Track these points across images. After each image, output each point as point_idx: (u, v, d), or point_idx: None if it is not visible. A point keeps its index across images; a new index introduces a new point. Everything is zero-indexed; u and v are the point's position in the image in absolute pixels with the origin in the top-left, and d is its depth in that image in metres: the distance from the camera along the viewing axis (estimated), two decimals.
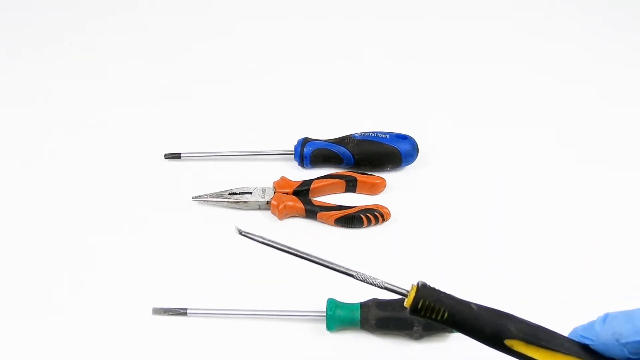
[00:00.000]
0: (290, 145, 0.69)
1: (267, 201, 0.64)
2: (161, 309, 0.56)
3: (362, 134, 0.68)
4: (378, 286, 0.38)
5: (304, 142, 0.68)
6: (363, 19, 0.92)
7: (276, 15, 0.92)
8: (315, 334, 0.55)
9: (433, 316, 0.35)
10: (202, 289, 0.58)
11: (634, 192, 0.67)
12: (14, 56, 0.85)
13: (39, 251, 0.61)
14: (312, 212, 0.63)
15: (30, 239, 0.62)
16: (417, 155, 0.68)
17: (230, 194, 0.65)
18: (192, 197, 0.65)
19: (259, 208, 0.65)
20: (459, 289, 0.56)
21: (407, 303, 0.36)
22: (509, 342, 0.34)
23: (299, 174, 0.68)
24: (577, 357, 0.34)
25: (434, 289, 0.36)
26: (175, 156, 0.70)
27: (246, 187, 0.65)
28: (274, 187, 0.65)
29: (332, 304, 0.54)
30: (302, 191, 0.65)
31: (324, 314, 0.54)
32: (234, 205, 0.64)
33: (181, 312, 0.56)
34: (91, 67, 0.84)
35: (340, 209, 0.63)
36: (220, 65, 0.84)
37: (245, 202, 0.64)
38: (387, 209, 0.63)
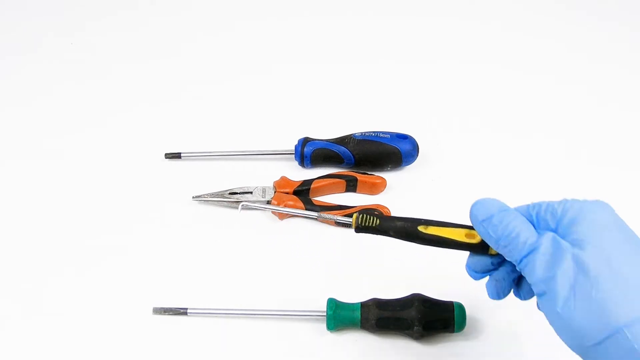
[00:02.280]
0: (291, 145, 0.69)
1: (268, 201, 0.64)
2: (161, 308, 0.56)
3: (363, 134, 0.68)
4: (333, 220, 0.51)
5: (305, 141, 0.68)
6: (363, 18, 0.92)
7: (276, 15, 0.93)
8: (316, 333, 0.55)
9: (371, 226, 0.47)
10: (202, 289, 0.58)
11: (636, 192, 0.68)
12: (14, 56, 0.85)
13: (40, 251, 0.61)
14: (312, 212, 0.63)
15: (31, 238, 0.63)
16: (417, 155, 0.68)
17: (230, 193, 0.65)
18: (193, 197, 0.65)
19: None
20: (459, 289, 0.56)
21: (353, 224, 0.48)
22: (421, 227, 0.47)
23: (300, 173, 0.68)
24: (466, 228, 0.46)
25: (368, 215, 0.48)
26: (176, 156, 0.70)
27: (246, 187, 0.65)
28: (275, 187, 0.65)
29: (332, 303, 0.54)
30: (303, 191, 0.65)
31: (324, 314, 0.54)
32: (235, 205, 0.64)
33: (181, 311, 0.56)
34: (91, 67, 0.84)
35: (340, 209, 0.62)
36: (221, 65, 0.84)
37: (246, 201, 0.64)
38: (387, 208, 0.63)
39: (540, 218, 0.41)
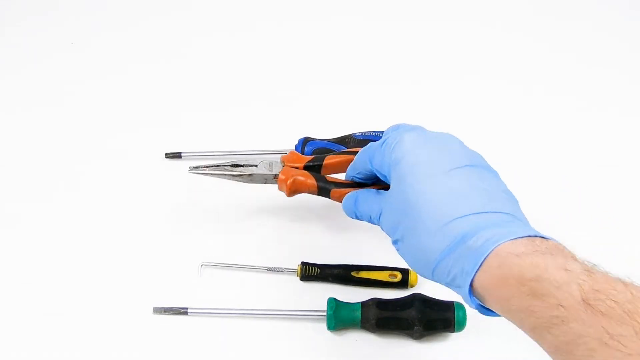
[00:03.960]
0: (291, 145, 0.69)
1: (275, 175, 0.56)
2: (162, 308, 0.56)
3: (363, 134, 0.68)
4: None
5: (305, 141, 0.68)
6: (364, 19, 0.92)
7: (277, 16, 0.92)
8: (316, 333, 0.55)
9: (313, 274, 0.58)
10: (202, 289, 0.58)
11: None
12: (14, 56, 0.85)
13: (40, 250, 0.61)
14: (325, 189, 0.53)
15: (31, 238, 0.63)
16: None
17: (233, 165, 0.57)
18: (190, 168, 0.57)
19: (265, 182, 0.57)
20: None
21: (298, 274, 0.59)
22: (354, 272, 0.58)
23: None
24: (388, 270, 0.58)
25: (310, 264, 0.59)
26: (176, 156, 0.70)
27: (251, 159, 0.57)
28: (282, 162, 0.56)
29: (333, 303, 0.54)
30: (314, 167, 0.56)
31: (324, 314, 0.54)
32: (237, 178, 0.56)
33: (182, 311, 0.56)
34: (91, 67, 0.84)
35: (356, 186, 0.52)
36: (221, 65, 0.84)
37: (250, 175, 0.56)
38: None
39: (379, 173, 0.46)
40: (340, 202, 0.52)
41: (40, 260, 0.60)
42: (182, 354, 0.54)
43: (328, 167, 0.56)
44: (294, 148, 0.68)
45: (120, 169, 0.69)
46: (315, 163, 0.56)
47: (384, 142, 0.44)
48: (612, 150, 0.73)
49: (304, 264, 0.59)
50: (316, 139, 0.69)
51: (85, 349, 0.54)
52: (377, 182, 0.50)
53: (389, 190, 0.43)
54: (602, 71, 0.84)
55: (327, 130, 0.70)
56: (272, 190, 0.57)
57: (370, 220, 0.48)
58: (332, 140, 0.68)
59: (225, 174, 0.56)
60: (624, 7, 0.95)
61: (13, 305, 0.57)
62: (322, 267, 0.58)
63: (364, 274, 0.58)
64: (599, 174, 0.69)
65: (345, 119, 0.74)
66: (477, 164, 0.41)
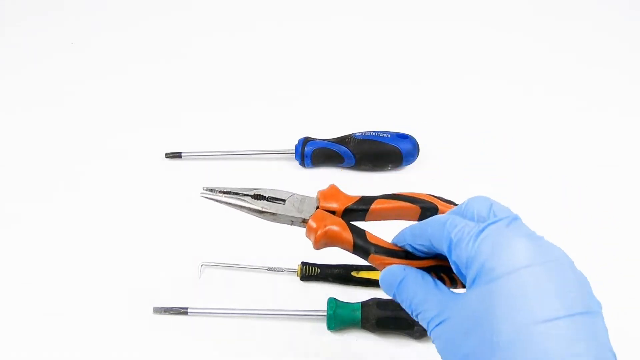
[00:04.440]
0: (291, 145, 0.69)
1: (304, 219, 0.43)
2: (162, 308, 0.56)
3: (363, 133, 0.68)
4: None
5: (305, 141, 0.68)
6: (364, 19, 0.92)
7: (277, 15, 0.93)
8: (316, 333, 0.55)
9: (313, 274, 0.59)
10: (202, 289, 0.58)
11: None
12: (14, 56, 0.85)
13: (40, 250, 0.61)
14: (362, 249, 0.41)
15: (32, 238, 0.63)
16: (417, 154, 0.68)
17: (255, 196, 0.44)
18: (203, 189, 0.45)
19: (292, 224, 0.44)
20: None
21: (298, 274, 0.59)
22: (354, 272, 0.58)
23: (300, 172, 0.68)
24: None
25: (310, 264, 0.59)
26: (176, 155, 0.70)
27: (278, 191, 0.44)
28: (318, 199, 0.43)
29: (333, 303, 0.54)
30: (358, 211, 0.43)
31: (325, 314, 0.54)
32: (257, 214, 0.44)
33: (182, 311, 0.56)
34: (91, 67, 0.84)
35: (405, 257, 0.40)
36: (221, 65, 0.84)
37: (274, 214, 0.44)
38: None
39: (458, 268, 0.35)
40: (379, 269, 0.41)
41: (40, 260, 0.60)
42: (182, 354, 0.54)
43: (374, 214, 0.45)
44: (294, 147, 0.68)
45: (120, 169, 0.69)
46: (360, 207, 0.44)
47: (479, 234, 0.33)
48: (612, 150, 0.73)
49: (304, 264, 0.59)
50: (316, 139, 0.69)
51: (85, 349, 0.54)
52: (434, 258, 0.39)
53: (464, 300, 0.33)
54: (602, 71, 0.84)
55: (327, 130, 0.70)
56: None
57: (412, 313, 0.37)
58: (332, 140, 0.68)
59: (243, 207, 0.44)
60: (624, 7, 0.95)
61: (13, 305, 0.57)
62: (322, 267, 0.58)
63: (364, 274, 0.58)
64: (599, 174, 0.69)
65: (345, 119, 0.74)
66: (589, 310, 0.31)
